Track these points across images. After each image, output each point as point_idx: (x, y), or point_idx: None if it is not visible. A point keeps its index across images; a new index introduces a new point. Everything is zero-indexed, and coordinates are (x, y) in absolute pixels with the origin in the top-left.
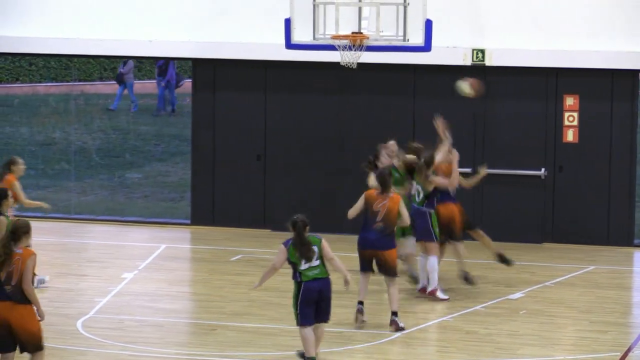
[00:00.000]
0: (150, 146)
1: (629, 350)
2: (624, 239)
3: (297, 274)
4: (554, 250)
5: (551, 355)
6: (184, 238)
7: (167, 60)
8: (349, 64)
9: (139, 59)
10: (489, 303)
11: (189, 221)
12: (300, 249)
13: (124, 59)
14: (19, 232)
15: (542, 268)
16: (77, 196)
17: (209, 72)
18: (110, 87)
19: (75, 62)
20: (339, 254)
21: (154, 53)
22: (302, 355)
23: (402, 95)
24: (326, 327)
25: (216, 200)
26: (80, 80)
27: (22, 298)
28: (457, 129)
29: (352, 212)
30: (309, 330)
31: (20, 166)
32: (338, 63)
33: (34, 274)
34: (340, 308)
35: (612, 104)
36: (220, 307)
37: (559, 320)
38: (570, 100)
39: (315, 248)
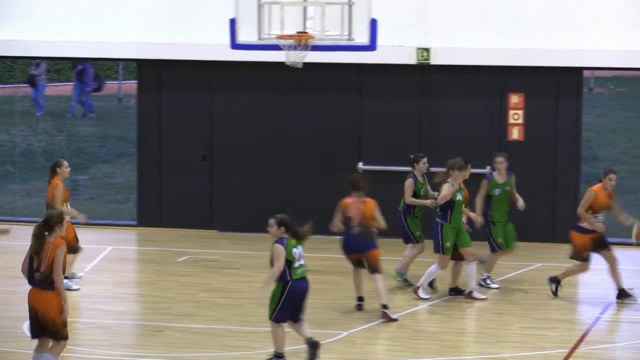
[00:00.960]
0: (95, 148)
1: (575, 347)
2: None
3: (287, 273)
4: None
5: (498, 352)
6: (131, 239)
7: (84, 64)
8: (294, 64)
9: (84, 60)
10: (436, 301)
11: (135, 222)
12: (299, 235)
13: (70, 60)
14: (51, 221)
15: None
16: (22, 198)
17: (154, 73)
18: (55, 89)
19: (20, 63)
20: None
21: (100, 54)
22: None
23: (348, 94)
24: (262, 327)
25: (162, 201)
26: (24, 82)
27: (49, 286)
28: (402, 127)
29: (335, 224)
30: (281, 328)
31: (65, 168)
32: (284, 63)
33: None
34: None
35: (557, 101)
36: (167, 308)
37: (505, 317)
38: (515, 98)
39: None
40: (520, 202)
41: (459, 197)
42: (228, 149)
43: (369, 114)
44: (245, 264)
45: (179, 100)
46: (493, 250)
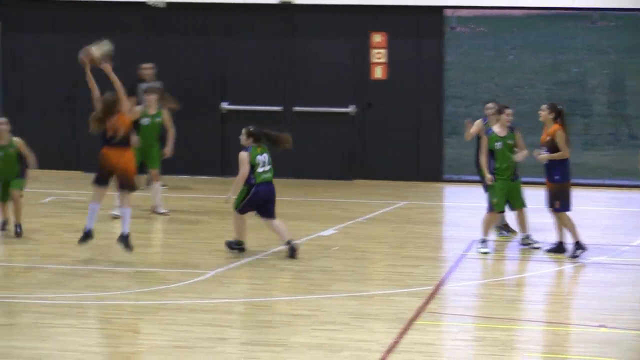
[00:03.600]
0: None
1: (441, 284)
2: (434, 175)
3: (252, 178)
4: (364, 186)
5: (364, 290)
6: None
7: None
8: (155, 4)
9: None
10: (301, 240)
11: None
12: (276, 142)
13: None
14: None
15: (353, 204)
16: None
17: (17, 13)
18: None
19: None
20: (147, 194)
21: None
22: (233, 244)
23: (212, 34)
24: (141, 268)
25: (27, 143)
26: None
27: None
28: (265, 67)
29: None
30: (243, 219)
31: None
32: (145, 3)
33: None
34: (150, 248)
35: (419, 40)
36: (32, 249)
37: (371, 255)
38: (377, 38)
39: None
40: (519, 155)
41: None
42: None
43: (232, 54)
44: (110, 204)
45: (41, 41)
46: (488, 209)
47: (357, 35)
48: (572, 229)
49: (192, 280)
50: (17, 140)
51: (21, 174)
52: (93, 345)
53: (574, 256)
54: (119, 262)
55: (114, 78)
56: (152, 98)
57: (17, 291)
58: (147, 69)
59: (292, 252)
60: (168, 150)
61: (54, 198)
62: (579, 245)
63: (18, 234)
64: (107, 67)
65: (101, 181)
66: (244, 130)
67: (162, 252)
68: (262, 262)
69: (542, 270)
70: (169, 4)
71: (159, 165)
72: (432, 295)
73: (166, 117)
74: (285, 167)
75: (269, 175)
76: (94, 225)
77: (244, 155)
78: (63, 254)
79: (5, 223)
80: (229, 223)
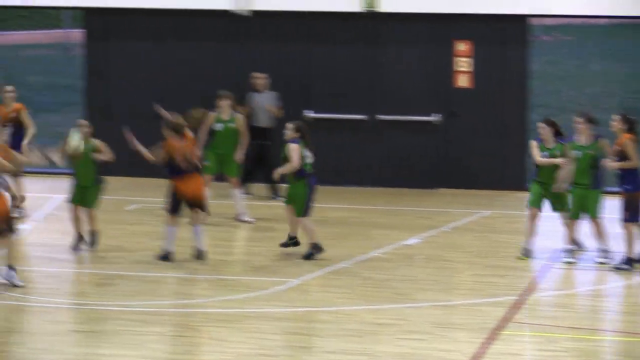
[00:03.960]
0: (41, 96)
1: (527, 293)
2: (518, 184)
3: (303, 170)
4: (448, 195)
5: (449, 299)
6: None
7: None
8: (241, 12)
9: (27, 9)
10: (385, 249)
11: None
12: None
13: (14, 9)
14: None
15: (437, 213)
16: None
17: (102, 22)
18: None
19: None
20: (230, 202)
21: (45, 2)
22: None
23: (297, 42)
24: (225, 276)
25: (112, 149)
26: None
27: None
28: (351, 75)
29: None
30: (310, 220)
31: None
32: (229, 11)
33: None
34: (232, 256)
35: (504, 49)
36: (118, 257)
37: (455, 265)
38: (462, 46)
39: None
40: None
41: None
42: (178, 97)
43: (317, 63)
44: None
45: (127, 49)
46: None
47: (441, 43)
48: (630, 242)
49: (276, 289)
50: (96, 142)
51: (97, 181)
52: (178, 354)
53: (619, 267)
54: (205, 270)
55: (165, 114)
56: (225, 103)
57: (102, 299)
58: (260, 78)
59: (311, 255)
60: (238, 155)
61: (139, 206)
62: (630, 260)
63: (92, 242)
64: (158, 109)
65: (176, 210)
66: (293, 125)
67: (246, 260)
68: (347, 271)
69: (627, 280)
70: (253, 11)
71: (238, 172)
72: (516, 305)
73: (241, 123)
74: (369, 176)
75: (311, 167)
76: (174, 247)
77: (295, 147)
78: (148, 262)
79: (80, 239)
80: None
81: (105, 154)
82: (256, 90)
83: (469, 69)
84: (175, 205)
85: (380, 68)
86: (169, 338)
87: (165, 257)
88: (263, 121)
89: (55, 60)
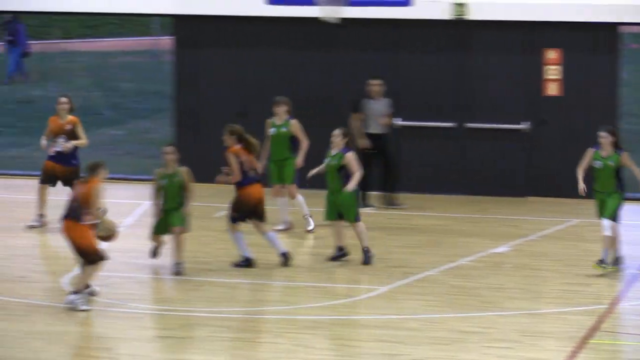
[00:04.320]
0: (132, 103)
1: (615, 302)
2: None
3: (349, 176)
4: (537, 203)
5: (537, 308)
6: None
7: (15, 23)
8: (330, 19)
9: (118, 16)
10: (473, 257)
11: None
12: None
13: (105, 16)
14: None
15: (526, 222)
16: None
17: (191, 29)
18: (89, 45)
19: (56, 19)
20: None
21: (135, 10)
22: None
23: (384, 50)
24: (310, 283)
25: (199, 156)
26: (60, 38)
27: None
28: (439, 83)
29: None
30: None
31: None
32: (319, 18)
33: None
34: (321, 264)
35: (594, 57)
36: (207, 263)
37: (543, 273)
38: (551, 54)
39: None
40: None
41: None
42: (264, 105)
43: (405, 70)
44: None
45: (215, 55)
46: None
47: (530, 51)
48: None
49: (364, 296)
50: (183, 169)
51: (182, 206)
52: None
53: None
54: (293, 277)
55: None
56: (281, 110)
57: (192, 305)
58: (375, 85)
59: (368, 259)
60: (299, 160)
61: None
62: None
63: (178, 272)
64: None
65: (239, 219)
66: (340, 132)
67: (334, 268)
68: (434, 279)
69: None
70: (342, 19)
71: (294, 179)
72: (606, 314)
73: (296, 128)
74: (457, 184)
75: None
76: (249, 252)
77: (353, 156)
78: (237, 269)
79: (156, 252)
80: (399, 239)
81: (188, 185)
82: (371, 97)
83: (559, 77)
84: (240, 214)
85: (470, 76)
86: (256, 344)
87: (245, 263)
88: (376, 128)
89: (144, 67)
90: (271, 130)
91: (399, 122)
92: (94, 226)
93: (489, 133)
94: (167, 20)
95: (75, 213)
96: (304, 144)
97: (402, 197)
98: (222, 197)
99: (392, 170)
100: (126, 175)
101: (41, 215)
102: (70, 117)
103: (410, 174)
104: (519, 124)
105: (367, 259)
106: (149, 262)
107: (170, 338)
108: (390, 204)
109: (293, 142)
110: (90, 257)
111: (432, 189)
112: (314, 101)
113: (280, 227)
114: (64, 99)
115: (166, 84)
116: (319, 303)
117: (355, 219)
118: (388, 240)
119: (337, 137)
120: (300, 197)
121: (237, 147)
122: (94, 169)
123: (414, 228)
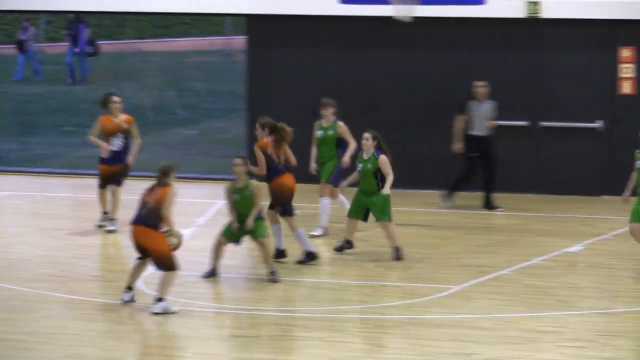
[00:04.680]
0: (206, 103)
1: None
2: None
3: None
4: (613, 202)
5: (612, 307)
6: None
7: (77, 25)
8: (403, 18)
9: (190, 16)
10: (547, 256)
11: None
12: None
13: (177, 16)
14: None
15: (601, 221)
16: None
17: (264, 28)
18: (162, 45)
19: (129, 19)
20: (397, 209)
21: (208, 9)
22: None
23: (456, 49)
24: (384, 282)
25: None
26: (134, 38)
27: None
28: (513, 82)
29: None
30: None
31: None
32: (392, 17)
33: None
34: (398, 263)
35: None
36: (280, 262)
37: (618, 272)
38: (626, 52)
39: None
40: None
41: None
42: (338, 104)
43: (477, 69)
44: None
45: (288, 55)
46: None
47: (605, 49)
48: None
49: (438, 295)
50: (253, 183)
51: (259, 215)
52: (336, 359)
53: None
54: (367, 276)
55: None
56: (327, 112)
57: (261, 304)
58: (480, 86)
59: (398, 255)
60: (346, 159)
61: (302, 211)
62: None
63: (273, 279)
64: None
65: (290, 211)
66: (370, 135)
67: (408, 267)
68: (508, 278)
69: None
70: (414, 18)
71: (330, 178)
72: None
73: (343, 130)
74: (532, 183)
75: None
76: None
77: (386, 159)
78: (311, 267)
79: (213, 273)
80: (475, 238)
81: (258, 199)
82: (476, 99)
83: (633, 75)
84: (288, 206)
85: (543, 74)
86: (328, 344)
87: (309, 257)
88: (481, 130)
89: (217, 67)
90: (318, 133)
91: None
92: (165, 232)
93: (564, 132)
94: (240, 20)
95: (149, 219)
96: (352, 145)
97: (476, 196)
98: (296, 195)
99: (493, 173)
100: (199, 174)
101: (106, 213)
102: (125, 116)
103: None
104: (593, 122)
105: (398, 256)
106: (223, 261)
107: (243, 337)
108: (488, 206)
109: (339, 144)
110: (167, 264)
111: (506, 188)
112: (385, 100)
113: (315, 233)
114: (117, 98)
115: (238, 83)
116: (393, 302)
117: (389, 219)
118: (463, 239)
119: (368, 141)
120: (343, 199)
121: (266, 140)
122: (167, 173)
123: (490, 227)
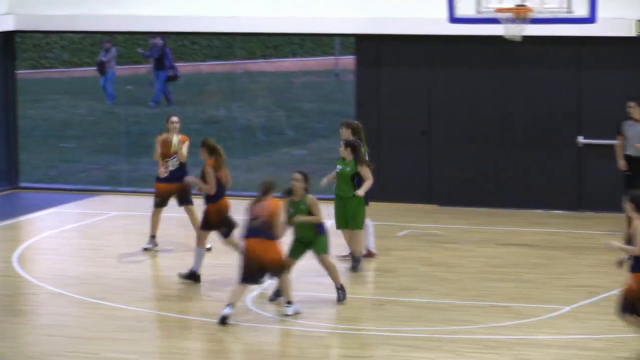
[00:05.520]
0: (314, 123)
1: None
2: None
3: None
4: None
5: None
6: None
7: (163, 50)
8: (513, 37)
9: (299, 36)
10: None
11: None
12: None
13: (286, 36)
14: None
15: None
16: (244, 173)
17: (373, 48)
18: (271, 65)
19: (239, 40)
20: (504, 228)
21: (317, 30)
22: None
23: (566, 68)
24: (496, 302)
25: (381, 175)
26: (243, 59)
27: None
28: (623, 100)
29: None
30: None
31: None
32: (502, 36)
33: None
34: (506, 283)
35: None
36: (388, 282)
37: None
38: None
39: None
40: None
41: None
42: (446, 124)
43: (588, 88)
44: (465, 238)
45: (397, 75)
46: None
47: None
48: None
49: (547, 316)
50: (310, 198)
51: (320, 231)
52: None
53: None
54: (473, 296)
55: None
56: (347, 132)
57: (373, 324)
58: (632, 107)
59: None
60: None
61: (410, 231)
62: None
63: (340, 299)
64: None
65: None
66: (343, 143)
67: (517, 287)
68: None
69: None
70: (523, 37)
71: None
72: None
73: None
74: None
75: None
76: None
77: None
78: (419, 287)
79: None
80: (585, 258)
81: (316, 212)
82: (632, 119)
83: None
84: (232, 226)
85: None
86: None
87: (193, 276)
88: (632, 150)
89: (326, 87)
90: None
91: (581, 140)
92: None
93: None
94: (349, 40)
95: (261, 231)
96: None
97: (587, 215)
98: (403, 216)
99: None
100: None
101: (153, 237)
102: (181, 136)
103: (594, 193)
104: None
105: (355, 267)
106: (329, 281)
107: (352, 357)
108: None
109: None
110: (282, 268)
111: (616, 208)
112: (494, 119)
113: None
114: (175, 118)
115: (346, 103)
116: (502, 322)
117: (360, 226)
118: (573, 259)
119: (343, 148)
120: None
121: (211, 160)
122: (269, 189)
123: (596, 247)
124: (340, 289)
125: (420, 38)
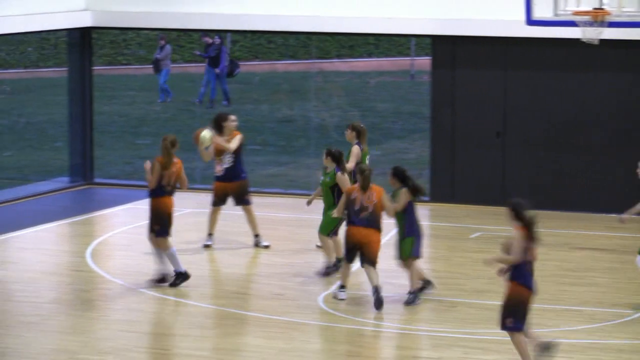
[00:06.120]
0: (389, 123)
1: None
2: None
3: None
4: None
5: None
6: (423, 215)
7: (220, 48)
8: (590, 41)
9: (376, 36)
10: None
11: (428, 198)
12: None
13: (362, 36)
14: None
15: None
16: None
17: (449, 49)
18: (346, 65)
19: (314, 39)
20: (579, 232)
21: (393, 30)
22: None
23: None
24: (569, 306)
25: (455, 177)
26: (318, 58)
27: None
28: None
29: None
30: None
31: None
32: (579, 40)
33: None
34: (579, 287)
35: None
36: (460, 284)
37: None
38: None
39: None
40: None
41: None
42: (521, 126)
43: None
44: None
45: (472, 76)
46: None
47: None
48: None
49: (620, 320)
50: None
51: (404, 235)
52: None
53: None
54: (546, 299)
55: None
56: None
57: (445, 325)
58: None
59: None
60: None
61: (483, 233)
62: None
63: (408, 302)
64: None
65: (165, 233)
66: (326, 151)
67: (590, 291)
68: None
69: None
70: (601, 40)
71: None
72: None
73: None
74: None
75: None
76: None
77: (344, 176)
78: (491, 290)
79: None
80: None
81: (389, 205)
82: None
83: None
84: (167, 226)
85: None
86: None
87: (182, 277)
88: None
89: (401, 87)
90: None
91: None
92: None
93: None
94: (425, 41)
95: (372, 222)
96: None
97: None
98: (477, 217)
99: None
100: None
101: (211, 235)
102: (234, 133)
103: None
104: None
105: (325, 272)
106: (402, 282)
107: (423, 358)
108: None
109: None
110: (377, 260)
111: None
112: (569, 122)
113: None
114: (233, 117)
115: (422, 104)
116: (574, 326)
117: (328, 234)
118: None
119: (325, 157)
120: None
121: (161, 157)
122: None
123: None
124: (411, 293)
125: (496, 40)
